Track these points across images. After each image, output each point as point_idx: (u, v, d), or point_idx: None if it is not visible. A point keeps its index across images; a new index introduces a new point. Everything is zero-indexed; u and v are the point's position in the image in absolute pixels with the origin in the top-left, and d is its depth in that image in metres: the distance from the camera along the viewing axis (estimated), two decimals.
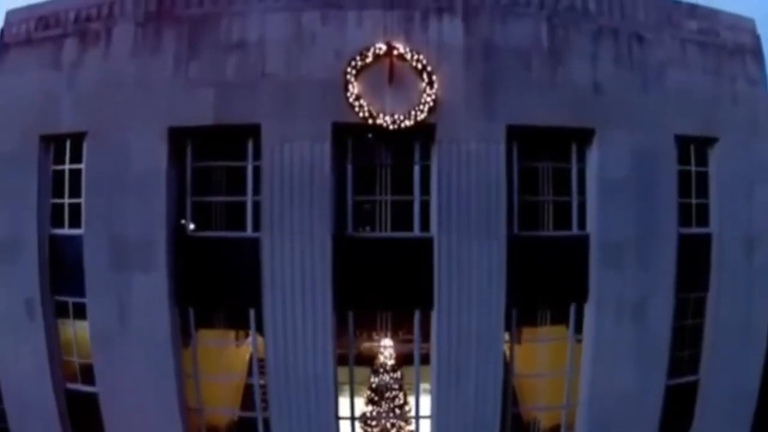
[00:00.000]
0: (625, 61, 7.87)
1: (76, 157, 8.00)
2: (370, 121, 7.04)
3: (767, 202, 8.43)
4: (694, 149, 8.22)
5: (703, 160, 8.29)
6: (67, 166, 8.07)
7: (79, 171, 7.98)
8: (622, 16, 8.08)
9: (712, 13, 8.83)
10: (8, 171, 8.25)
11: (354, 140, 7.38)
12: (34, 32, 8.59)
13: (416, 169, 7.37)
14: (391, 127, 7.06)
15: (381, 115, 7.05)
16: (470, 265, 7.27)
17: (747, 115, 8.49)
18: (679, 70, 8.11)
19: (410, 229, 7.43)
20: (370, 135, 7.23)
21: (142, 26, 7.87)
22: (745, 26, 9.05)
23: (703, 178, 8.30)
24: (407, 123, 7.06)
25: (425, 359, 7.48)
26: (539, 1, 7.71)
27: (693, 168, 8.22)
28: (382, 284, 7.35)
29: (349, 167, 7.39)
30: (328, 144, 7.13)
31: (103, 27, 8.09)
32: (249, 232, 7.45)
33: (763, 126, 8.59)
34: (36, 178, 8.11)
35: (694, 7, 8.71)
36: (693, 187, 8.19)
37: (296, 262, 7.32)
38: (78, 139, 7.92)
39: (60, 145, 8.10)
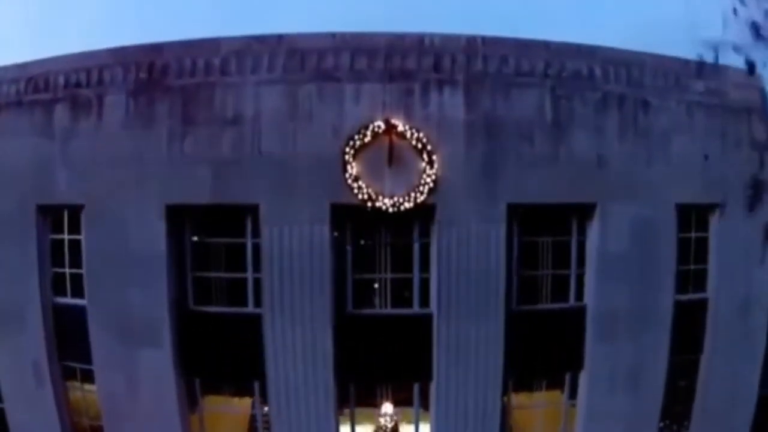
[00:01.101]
0: (630, 131, 7.72)
1: (75, 228, 8.01)
2: (370, 204, 7.03)
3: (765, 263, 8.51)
4: (694, 216, 8.23)
5: (703, 226, 8.28)
6: (66, 236, 8.10)
7: (78, 241, 8.05)
8: (629, 81, 7.84)
9: (720, 71, 8.53)
10: (7, 237, 8.27)
11: (353, 220, 7.35)
12: (25, 94, 8.40)
13: (415, 247, 7.39)
14: (390, 210, 7.01)
15: (380, 198, 7.00)
16: (468, 341, 7.38)
17: (742, 180, 8.38)
18: (685, 137, 7.97)
19: (410, 305, 7.53)
20: (369, 214, 7.21)
21: (134, 96, 7.68)
22: (752, 83, 8.79)
23: (702, 244, 8.34)
24: (407, 205, 7.02)
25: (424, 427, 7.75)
26: (544, 70, 7.50)
27: (693, 234, 8.26)
28: (382, 359, 7.48)
29: (349, 246, 7.41)
30: (326, 226, 7.11)
31: (94, 95, 7.88)
32: (250, 307, 7.52)
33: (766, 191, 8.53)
34: (35, 246, 8.14)
35: (702, 65, 8.39)
36: (692, 254, 8.26)
37: (297, 337, 7.45)
38: (75, 210, 7.93)
39: (57, 215, 8.07)
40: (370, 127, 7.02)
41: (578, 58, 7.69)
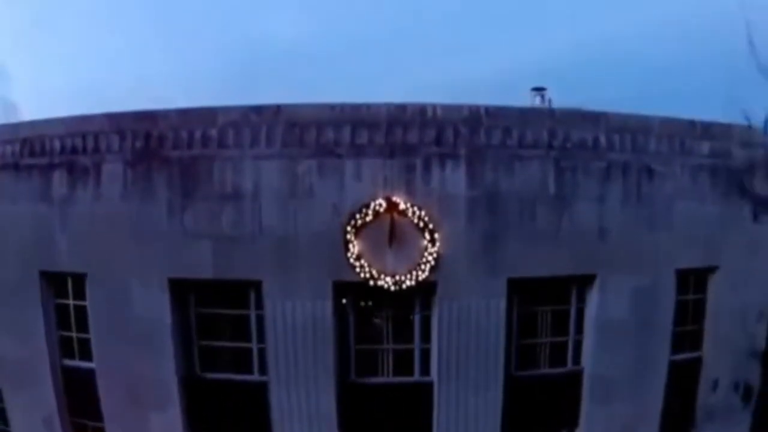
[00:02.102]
0: (633, 200, 7.67)
1: (79, 294, 8.10)
2: (372, 282, 7.07)
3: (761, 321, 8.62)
4: (693, 279, 8.28)
5: (701, 288, 8.36)
6: (71, 301, 8.20)
7: (84, 307, 8.13)
8: (634, 147, 7.71)
9: (726, 130, 8.39)
10: (14, 300, 8.35)
11: (355, 294, 7.41)
12: (21, 157, 8.29)
13: (416, 319, 7.49)
14: (392, 288, 7.06)
15: (382, 276, 7.03)
16: (468, 407, 7.55)
17: (751, 239, 8.40)
18: (688, 202, 7.93)
19: (411, 373, 7.71)
20: (371, 289, 7.23)
21: (131, 166, 7.58)
22: (758, 140, 8.63)
23: (699, 305, 8.43)
24: (409, 283, 7.06)
25: None
26: (548, 141, 7.36)
27: (690, 296, 8.34)
28: (385, 425, 7.71)
29: (351, 318, 7.50)
30: (329, 302, 7.17)
31: (91, 162, 7.79)
32: (256, 375, 7.72)
33: (764, 248, 8.52)
34: (41, 310, 8.25)
35: (708, 126, 8.27)
36: (689, 315, 8.37)
37: (302, 404, 7.64)
38: (79, 278, 8.00)
39: (61, 282, 8.17)
40: (372, 206, 6.98)
41: (583, 126, 7.55)
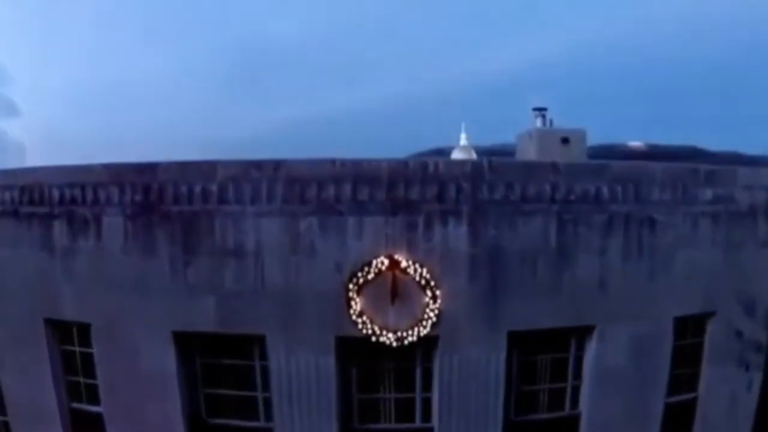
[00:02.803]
0: (634, 251, 7.67)
1: (85, 341, 8.20)
2: (374, 339, 7.14)
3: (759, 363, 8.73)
4: (691, 324, 8.36)
5: (699, 332, 8.45)
6: (77, 348, 8.30)
7: (90, 353, 8.22)
8: (636, 198, 7.67)
9: (730, 174, 8.33)
10: (21, 344, 8.44)
11: (358, 347, 7.46)
12: (20, 205, 8.24)
13: (418, 371, 7.57)
14: (395, 344, 7.13)
15: (385, 332, 7.10)
16: None
17: (749, 282, 8.44)
18: (689, 250, 7.94)
19: (412, 420, 7.84)
20: (373, 343, 7.31)
21: (132, 219, 7.55)
22: (762, 182, 8.57)
23: (696, 348, 8.54)
24: (411, 339, 7.13)
25: None
26: (551, 194, 7.31)
27: (688, 341, 8.44)
28: None
29: (354, 370, 7.59)
30: (332, 356, 7.26)
31: (91, 214, 7.74)
32: (262, 422, 7.85)
33: (762, 290, 8.57)
34: (47, 355, 8.35)
35: (712, 173, 8.18)
36: (686, 358, 8.48)
37: None
38: (84, 326, 8.06)
39: (66, 329, 8.23)
40: (374, 264, 6.99)
41: (586, 178, 7.49)
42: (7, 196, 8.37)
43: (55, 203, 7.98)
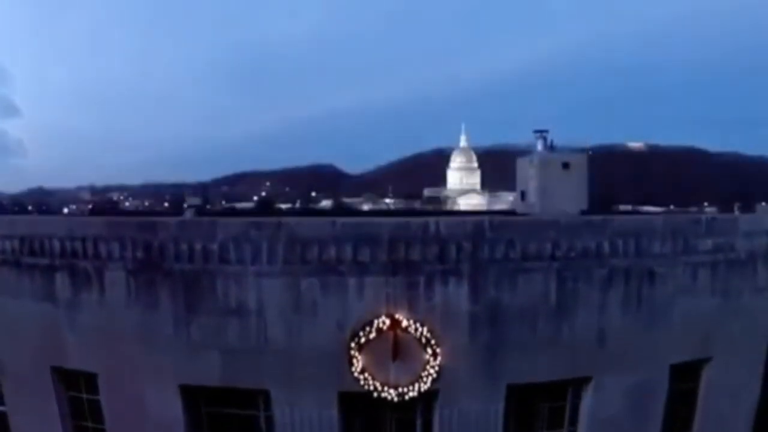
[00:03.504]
0: (633, 304, 7.71)
1: (92, 389, 8.33)
2: (376, 394, 7.29)
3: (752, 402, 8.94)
4: (686, 370, 8.49)
5: (694, 377, 8.60)
6: (84, 395, 8.45)
7: (97, 400, 8.38)
8: (637, 251, 7.64)
9: (731, 223, 8.26)
10: (29, 390, 8.61)
11: (360, 402, 7.55)
12: (21, 255, 8.21)
13: (419, 422, 7.71)
14: (396, 399, 7.27)
15: (386, 388, 7.22)
16: None
17: (745, 328, 8.53)
18: (687, 300, 7.98)
19: None
20: (375, 398, 7.45)
21: (134, 276, 7.55)
22: (762, 228, 8.50)
23: (691, 393, 8.69)
24: (411, 394, 7.28)
25: None
26: (551, 252, 7.28)
27: (682, 385, 8.59)
28: None
29: (356, 422, 7.73)
30: (335, 410, 7.40)
31: (93, 268, 7.74)
32: None
33: (757, 335, 8.67)
34: (55, 402, 8.50)
35: (712, 222, 8.10)
36: (681, 401, 8.66)
37: None
38: (90, 375, 8.18)
39: (73, 377, 8.35)
40: (375, 324, 7.05)
41: (588, 235, 7.45)
42: (7, 245, 8.37)
43: (56, 255, 7.98)
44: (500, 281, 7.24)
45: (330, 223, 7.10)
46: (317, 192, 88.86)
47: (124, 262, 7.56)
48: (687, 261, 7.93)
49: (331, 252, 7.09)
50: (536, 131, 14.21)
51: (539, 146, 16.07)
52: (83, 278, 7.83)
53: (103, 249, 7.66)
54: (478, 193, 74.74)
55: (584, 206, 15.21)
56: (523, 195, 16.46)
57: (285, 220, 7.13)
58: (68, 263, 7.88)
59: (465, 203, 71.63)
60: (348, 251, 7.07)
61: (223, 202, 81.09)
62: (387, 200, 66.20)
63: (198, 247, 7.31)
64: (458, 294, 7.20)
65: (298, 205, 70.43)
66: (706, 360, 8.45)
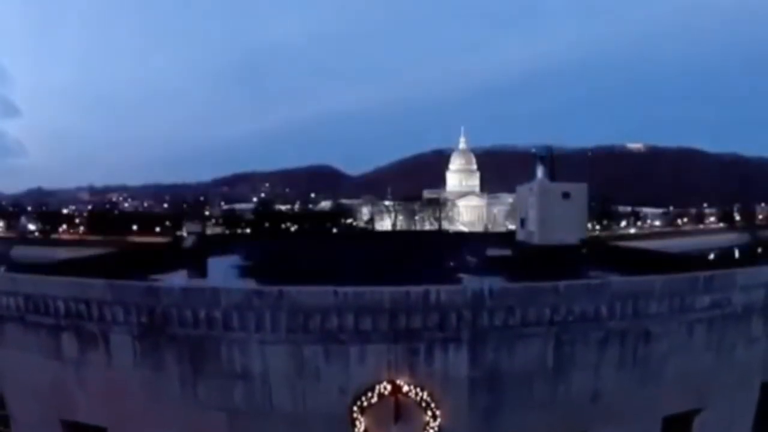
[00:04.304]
0: (628, 362, 7.87)
1: None
2: None
3: None
4: (679, 420, 8.68)
5: (686, 427, 8.78)
6: None
7: None
8: (634, 313, 7.76)
9: (729, 279, 8.36)
10: None
11: None
12: (26, 313, 8.33)
13: None
14: None
15: None
16: None
17: (739, 378, 8.70)
18: (682, 356, 8.15)
19: None
20: None
21: (139, 339, 7.68)
22: (760, 281, 8.62)
23: None
24: None
25: None
26: (550, 317, 7.40)
27: None
28: None
29: None
30: None
31: (99, 330, 7.87)
32: None
33: (750, 383, 8.85)
34: None
35: (711, 279, 8.21)
36: None
37: None
38: (101, 429, 8.36)
39: (83, 429, 8.53)
40: (377, 389, 7.22)
41: (586, 299, 7.57)
42: (11, 302, 8.48)
43: (61, 315, 8.12)
44: (499, 347, 7.39)
45: (332, 293, 7.21)
46: (316, 193, 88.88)
47: (129, 326, 7.69)
48: (683, 319, 8.10)
49: (333, 321, 7.21)
50: (536, 155, 14.26)
51: (539, 172, 16.12)
52: (89, 339, 7.97)
53: (107, 313, 7.78)
54: (477, 195, 74.81)
55: (583, 235, 15.34)
56: (522, 222, 16.57)
57: (286, 289, 7.23)
58: (74, 324, 8.01)
59: (464, 205, 71.81)
60: (350, 320, 7.19)
61: (223, 203, 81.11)
62: (386, 202, 66.17)
63: (202, 314, 7.42)
64: (458, 360, 7.36)
65: (297, 206, 70.46)
66: (698, 410, 8.69)
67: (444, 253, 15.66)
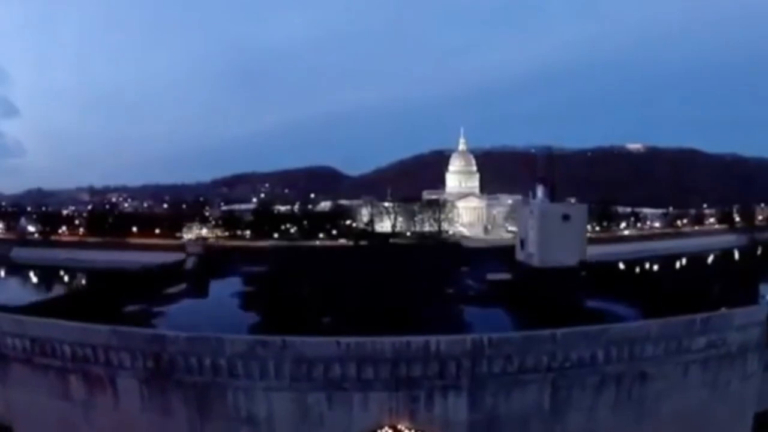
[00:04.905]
0: (623, 403, 8.03)
1: None
2: None
3: None
4: None
5: None
6: None
7: None
8: (630, 357, 7.90)
9: (726, 318, 8.48)
10: None
11: None
12: (32, 354, 8.45)
13: None
14: None
15: None
16: None
17: (733, 411, 8.83)
18: (677, 395, 8.31)
19: None
20: None
21: (146, 384, 7.81)
22: (756, 317, 8.74)
23: None
24: None
25: None
26: (547, 364, 7.54)
27: None
28: None
29: None
30: None
31: (106, 374, 8.02)
32: None
33: (744, 415, 8.97)
34: None
35: (708, 320, 8.32)
36: None
37: None
38: None
39: None
40: None
41: (583, 345, 7.70)
42: (17, 343, 8.63)
43: (68, 359, 8.26)
44: (498, 393, 7.55)
45: (335, 343, 7.34)
46: (316, 193, 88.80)
47: (136, 371, 7.84)
48: (679, 360, 8.25)
49: (337, 370, 7.35)
50: (537, 179, 14.35)
51: (539, 192, 16.22)
52: (96, 382, 8.13)
53: (113, 357, 7.93)
54: (476, 196, 74.87)
55: (583, 257, 15.42)
56: (522, 243, 16.67)
57: (290, 339, 7.37)
58: (81, 367, 8.17)
59: (464, 206, 71.96)
60: (352, 370, 7.33)
61: (222, 204, 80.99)
62: (386, 204, 66.29)
63: (207, 361, 7.57)
64: (457, 406, 7.51)
65: (297, 206, 70.46)
66: None
67: (445, 275, 15.73)
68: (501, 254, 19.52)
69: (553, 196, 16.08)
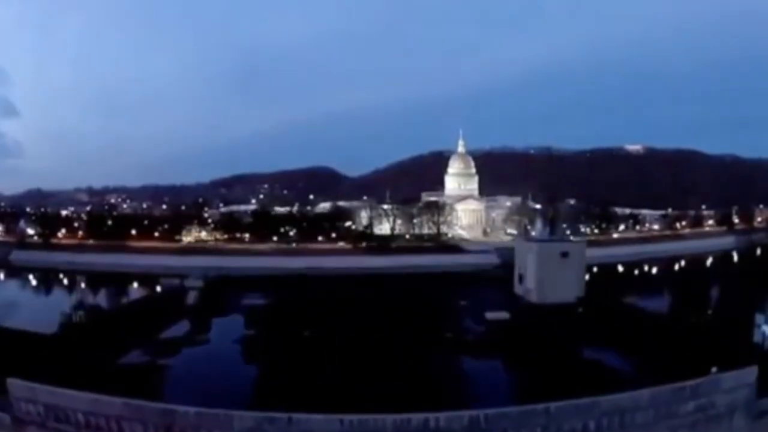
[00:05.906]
0: None
1: None
2: None
3: None
4: None
5: None
6: None
7: None
8: (621, 426, 8.21)
9: (714, 384, 8.75)
10: None
11: None
12: (46, 419, 8.71)
13: None
14: None
15: None
16: None
17: None
18: None
19: None
20: None
21: None
22: (746, 380, 9.00)
23: None
24: None
25: None
26: None
27: None
28: None
29: None
30: None
31: None
32: None
33: None
34: None
35: (697, 387, 8.60)
36: None
37: None
38: None
39: None
40: None
41: (576, 416, 7.99)
42: (31, 408, 8.90)
43: (81, 426, 8.53)
44: None
45: (338, 420, 7.61)
46: (315, 194, 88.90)
47: None
48: (668, 425, 8.56)
49: None
50: (537, 209, 14.57)
51: (539, 224, 16.44)
52: None
53: (126, 428, 8.21)
54: (475, 199, 74.96)
55: (581, 293, 15.70)
56: (521, 278, 16.92)
57: (296, 417, 7.63)
58: None
59: (463, 209, 72.12)
60: None
61: (221, 205, 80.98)
62: (385, 206, 66.42)
63: None
64: None
65: (296, 208, 70.58)
66: None
67: (441, 316, 15.97)
68: (499, 283, 19.67)
69: (553, 229, 16.31)
